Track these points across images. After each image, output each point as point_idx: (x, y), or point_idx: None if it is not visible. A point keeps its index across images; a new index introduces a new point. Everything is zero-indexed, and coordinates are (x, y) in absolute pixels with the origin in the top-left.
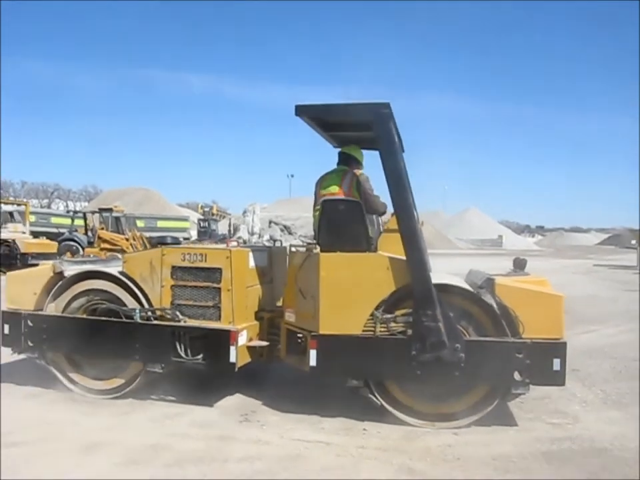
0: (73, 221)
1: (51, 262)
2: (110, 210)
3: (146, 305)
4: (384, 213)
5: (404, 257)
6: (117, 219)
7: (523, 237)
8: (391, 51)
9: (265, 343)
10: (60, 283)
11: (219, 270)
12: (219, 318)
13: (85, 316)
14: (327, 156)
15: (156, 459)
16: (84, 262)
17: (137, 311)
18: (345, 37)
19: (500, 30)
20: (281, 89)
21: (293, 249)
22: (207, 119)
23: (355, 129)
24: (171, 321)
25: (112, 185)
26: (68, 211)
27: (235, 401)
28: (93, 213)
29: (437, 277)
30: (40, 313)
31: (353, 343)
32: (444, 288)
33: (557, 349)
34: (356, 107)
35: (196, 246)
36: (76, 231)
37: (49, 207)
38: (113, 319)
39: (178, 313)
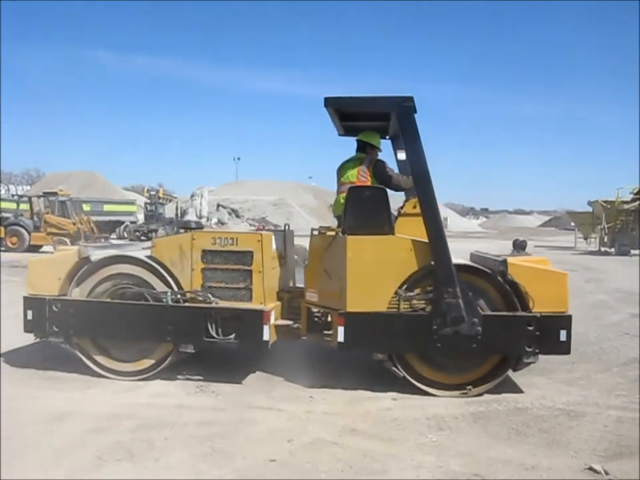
0: (18, 205)
1: (76, 247)
2: (55, 194)
3: (175, 288)
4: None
5: (422, 239)
6: (63, 203)
7: (468, 219)
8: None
9: (289, 322)
10: (85, 267)
11: (251, 253)
12: (250, 299)
13: (115, 300)
14: (273, 139)
15: (120, 426)
16: (108, 247)
17: (169, 293)
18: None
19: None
20: (229, 69)
21: (316, 232)
22: (149, 101)
23: (371, 119)
24: (202, 303)
25: (55, 168)
26: (13, 195)
27: (189, 375)
28: (39, 197)
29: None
30: (66, 298)
31: (379, 320)
32: (462, 268)
33: (563, 321)
34: (381, 99)
35: (226, 230)
36: (22, 215)
37: None
38: (142, 302)
39: (209, 295)
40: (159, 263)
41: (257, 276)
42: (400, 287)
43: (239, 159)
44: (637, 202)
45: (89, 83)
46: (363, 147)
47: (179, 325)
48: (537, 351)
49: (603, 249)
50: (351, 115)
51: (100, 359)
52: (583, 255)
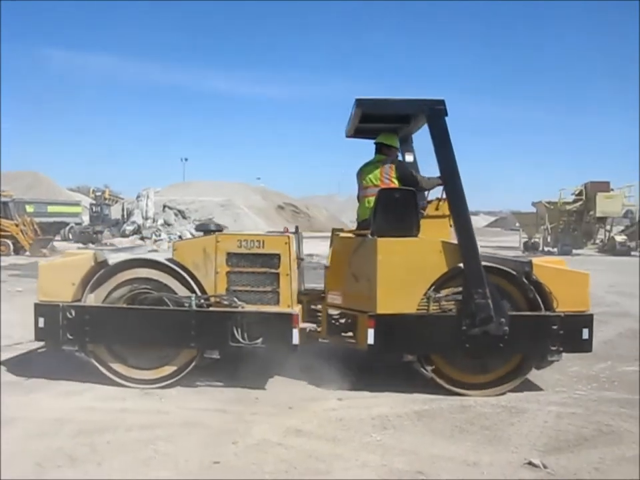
0: None
1: (91, 251)
2: None
3: (198, 292)
4: (432, 187)
5: (451, 241)
6: (5, 204)
7: None
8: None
9: (313, 325)
10: (101, 272)
11: (278, 255)
12: (277, 302)
13: (134, 305)
14: (221, 140)
15: (62, 431)
16: (125, 250)
17: (193, 298)
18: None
19: None
20: (177, 68)
21: (341, 235)
22: (96, 100)
23: (385, 121)
24: (228, 307)
25: None
26: None
27: None
28: None
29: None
30: (83, 304)
31: (409, 321)
32: (487, 269)
33: (586, 320)
34: (412, 102)
35: (252, 233)
36: None
37: None
38: (164, 307)
39: (235, 299)
40: (181, 267)
41: (284, 279)
42: (429, 289)
43: (186, 159)
44: (579, 203)
45: (33, 81)
46: (380, 148)
47: (204, 330)
48: (561, 349)
49: (546, 249)
50: (367, 117)
51: (117, 367)
52: (528, 256)
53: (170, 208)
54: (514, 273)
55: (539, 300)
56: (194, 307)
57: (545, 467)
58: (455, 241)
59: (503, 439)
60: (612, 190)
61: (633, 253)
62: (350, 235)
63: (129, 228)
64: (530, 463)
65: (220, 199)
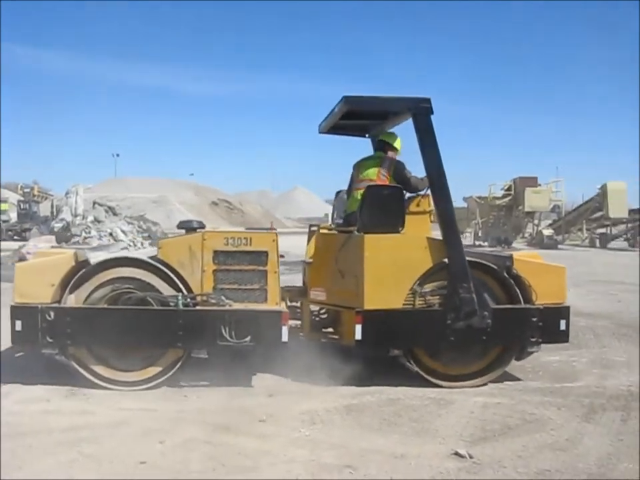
0: None
1: (71, 250)
2: None
3: (184, 291)
4: (425, 188)
5: (435, 237)
6: None
7: None
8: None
9: (298, 322)
10: (82, 271)
11: (265, 253)
12: (265, 300)
13: (117, 306)
14: (154, 136)
15: None
16: (105, 248)
17: (179, 297)
18: None
19: None
20: (106, 62)
21: (314, 229)
22: (26, 94)
23: (365, 117)
24: (215, 306)
25: None
26: None
27: (59, 379)
28: None
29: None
30: (63, 305)
31: (395, 316)
32: (473, 264)
33: (563, 312)
34: (399, 100)
35: (239, 230)
36: None
37: None
38: (150, 307)
39: (223, 297)
40: (166, 265)
41: (272, 276)
42: (415, 284)
43: (117, 155)
44: (508, 198)
45: None
46: (382, 146)
47: (191, 329)
48: (540, 340)
49: (477, 243)
50: (355, 114)
51: (99, 369)
52: (502, 250)
53: (100, 205)
54: (495, 267)
55: (519, 293)
56: (181, 306)
57: (470, 456)
58: (437, 237)
59: (430, 431)
60: (539, 185)
61: (559, 246)
62: (331, 231)
63: (57, 225)
64: (456, 454)
65: (152, 195)
